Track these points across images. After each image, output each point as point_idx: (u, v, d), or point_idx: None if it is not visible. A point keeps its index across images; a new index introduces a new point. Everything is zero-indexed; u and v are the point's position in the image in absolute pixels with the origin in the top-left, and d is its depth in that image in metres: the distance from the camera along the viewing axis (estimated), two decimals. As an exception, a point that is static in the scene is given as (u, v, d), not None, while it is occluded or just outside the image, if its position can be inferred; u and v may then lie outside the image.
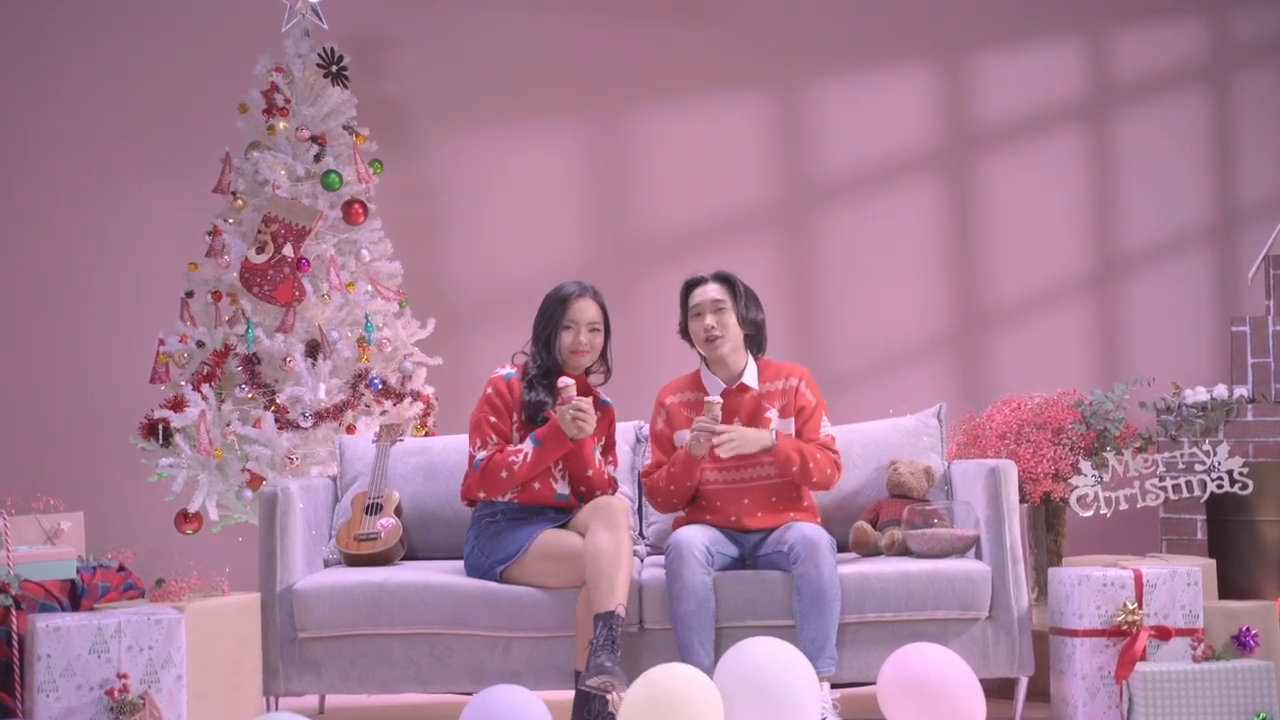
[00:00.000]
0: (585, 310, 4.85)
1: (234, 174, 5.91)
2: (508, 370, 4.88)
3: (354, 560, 5.00)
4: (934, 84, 6.27)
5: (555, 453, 4.72)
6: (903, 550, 4.92)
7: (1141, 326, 6.23)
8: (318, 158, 5.90)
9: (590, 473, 4.81)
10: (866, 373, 6.27)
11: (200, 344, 5.82)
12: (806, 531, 4.63)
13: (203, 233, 5.93)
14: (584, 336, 4.84)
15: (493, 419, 4.79)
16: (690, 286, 4.94)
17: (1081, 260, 6.25)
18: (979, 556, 4.86)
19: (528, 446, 4.72)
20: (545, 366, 4.86)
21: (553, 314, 4.86)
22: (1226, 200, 6.35)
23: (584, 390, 4.87)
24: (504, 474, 4.72)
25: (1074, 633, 4.65)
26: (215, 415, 5.71)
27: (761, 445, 4.74)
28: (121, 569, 4.59)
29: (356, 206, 5.87)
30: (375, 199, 6.02)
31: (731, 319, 4.85)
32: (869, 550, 4.98)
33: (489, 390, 4.84)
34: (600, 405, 4.92)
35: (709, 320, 4.83)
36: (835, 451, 4.87)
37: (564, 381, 4.70)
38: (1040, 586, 5.32)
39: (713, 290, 4.87)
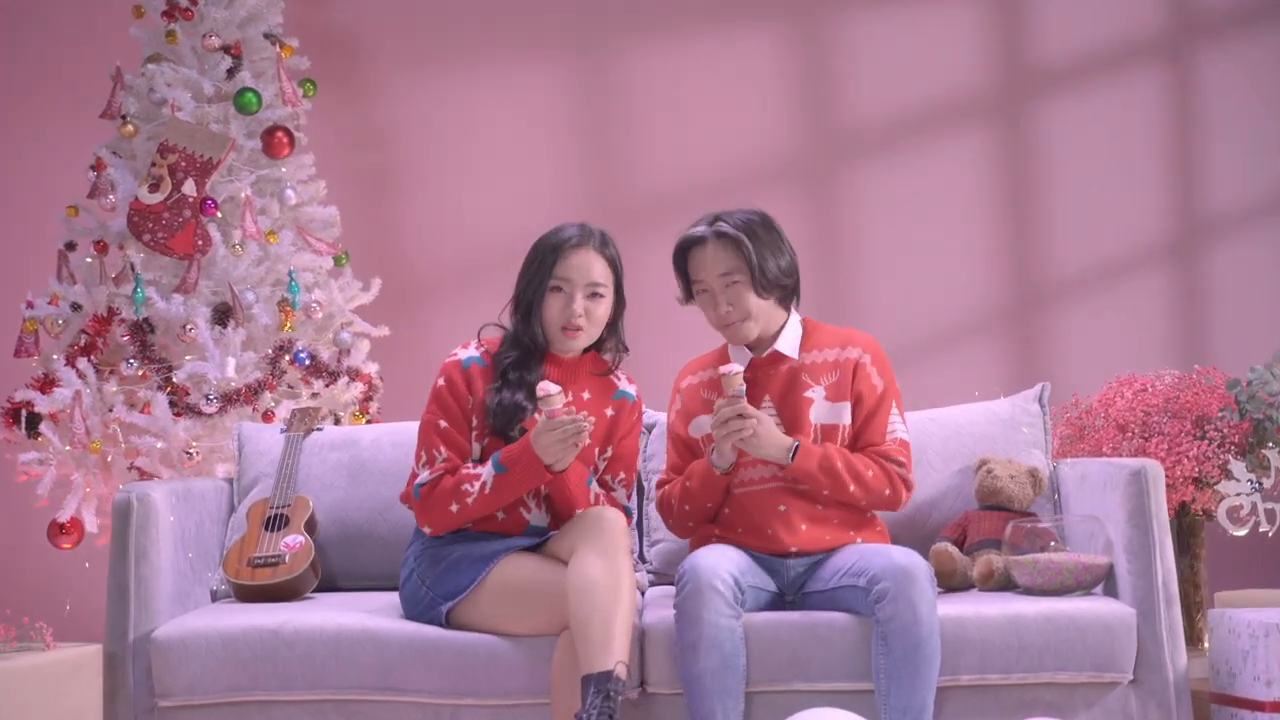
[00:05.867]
0: (585, 266, 3.20)
1: (125, 93, 4.35)
2: (469, 352, 3.25)
3: (247, 593, 3.37)
4: (985, 14, 5.08)
5: (526, 484, 3.11)
6: (1004, 583, 3.30)
7: (1230, 298, 5.00)
8: (231, 73, 4.31)
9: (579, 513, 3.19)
10: (902, 353, 5.07)
11: (76, 307, 4.23)
12: (897, 558, 3.02)
13: (85, 168, 4.38)
14: (579, 304, 3.19)
15: (443, 424, 3.18)
16: (685, 250, 3.28)
17: (1159, 223, 5.05)
18: (1111, 593, 3.23)
19: (488, 472, 3.11)
20: (525, 349, 3.21)
21: (538, 269, 3.21)
22: (1331, 152, 5.17)
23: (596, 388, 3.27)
24: (454, 507, 3.12)
25: (1258, 705, 3.09)
26: (94, 397, 4.12)
27: (773, 456, 3.15)
28: (-98, 611, 2.80)
29: (280, 135, 4.28)
30: (306, 128, 4.49)
31: (749, 294, 3.21)
32: (956, 582, 3.36)
33: (440, 382, 3.22)
34: (615, 398, 3.29)
35: (723, 307, 3.22)
36: (902, 463, 3.23)
37: (545, 389, 3.04)
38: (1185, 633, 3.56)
39: (718, 259, 3.22)
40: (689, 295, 3.29)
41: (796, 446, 3.13)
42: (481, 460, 3.15)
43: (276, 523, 3.42)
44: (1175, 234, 5.04)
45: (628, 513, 3.24)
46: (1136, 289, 5.01)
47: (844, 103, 5.06)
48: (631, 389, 3.30)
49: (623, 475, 3.26)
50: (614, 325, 3.24)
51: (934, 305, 4.99)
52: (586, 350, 3.25)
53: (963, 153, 5.04)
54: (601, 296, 3.18)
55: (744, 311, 3.20)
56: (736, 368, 3.13)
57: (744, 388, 3.11)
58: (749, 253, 3.19)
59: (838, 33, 5.07)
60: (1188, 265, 5.04)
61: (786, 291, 3.27)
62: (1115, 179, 5.03)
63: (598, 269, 3.18)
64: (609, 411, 3.24)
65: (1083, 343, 4.93)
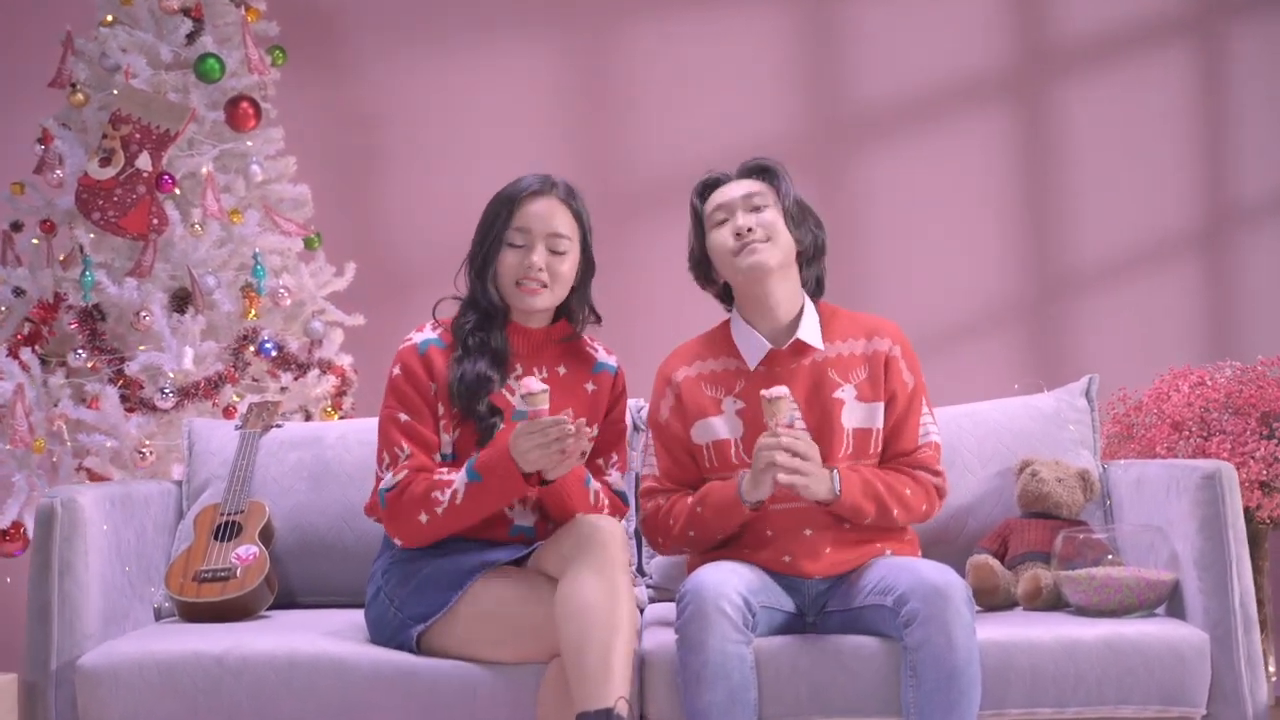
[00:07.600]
0: (546, 215, 2.78)
1: (75, 59, 3.96)
2: (425, 334, 2.82)
3: (193, 611, 2.92)
4: (1002, -10, 4.92)
5: (504, 496, 2.65)
6: (1053, 602, 2.85)
7: (1263, 290, 4.68)
8: (191, 37, 3.93)
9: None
10: (917, 346, 4.55)
11: (20, 292, 3.84)
12: (927, 575, 2.56)
13: (32, 141, 4.01)
14: (539, 256, 2.75)
15: (402, 417, 2.73)
16: (704, 190, 2.87)
17: (1187, 209, 4.74)
18: (1176, 614, 2.78)
19: (460, 479, 2.66)
20: (483, 311, 2.78)
21: (493, 222, 2.80)
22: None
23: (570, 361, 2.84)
24: (423, 517, 2.66)
25: (1352, 745, 2.45)
26: (39, 391, 3.73)
27: (821, 495, 2.66)
28: None
29: (245, 106, 3.91)
30: (274, 99, 4.13)
31: (778, 220, 2.77)
32: (997, 600, 2.91)
33: (395, 371, 2.78)
34: (595, 371, 2.86)
35: (743, 220, 2.76)
36: (937, 473, 2.78)
37: (528, 386, 2.58)
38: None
39: (744, 184, 2.82)
40: (701, 246, 2.82)
41: (835, 474, 2.65)
42: (456, 457, 2.72)
43: (227, 531, 2.98)
44: (1206, 220, 4.72)
45: (624, 500, 2.82)
46: (1167, 278, 4.70)
47: (853, 84, 4.78)
48: (611, 360, 2.87)
49: (615, 457, 2.83)
50: (581, 291, 2.82)
51: (949, 297, 4.68)
52: (555, 320, 2.83)
53: (979, 137, 4.75)
54: (565, 252, 2.76)
55: (768, 230, 2.75)
56: (783, 390, 2.60)
57: (797, 413, 2.60)
58: (780, 182, 2.79)
59: (846, 10, 4.80)
60: (1222, 252, 4.71)
61: (810, 248, 2.81)
62: (1141, 163, 4.73)
63: (560, 219, 2.77)
64: (589, 386, 2.82)
65: (1111, 334, 4.61)
